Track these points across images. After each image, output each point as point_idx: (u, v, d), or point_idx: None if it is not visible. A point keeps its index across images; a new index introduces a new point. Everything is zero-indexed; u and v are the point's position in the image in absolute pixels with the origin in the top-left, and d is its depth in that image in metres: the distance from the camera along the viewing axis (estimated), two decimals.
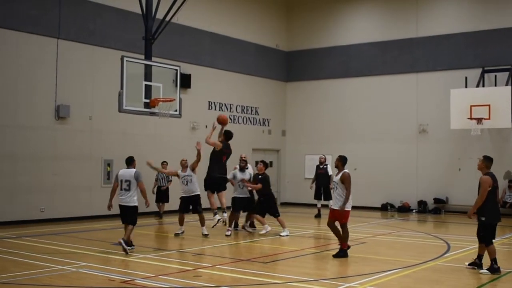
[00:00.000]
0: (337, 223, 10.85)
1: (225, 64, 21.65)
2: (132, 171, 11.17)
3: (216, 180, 13.21)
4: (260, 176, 13.97)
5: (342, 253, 10.64)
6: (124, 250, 10.68)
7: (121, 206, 11.19)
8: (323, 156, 18.84)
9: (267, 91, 23.67)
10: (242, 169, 14.08)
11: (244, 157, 14.51)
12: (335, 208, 10.76)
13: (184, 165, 13.72)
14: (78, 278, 8.63)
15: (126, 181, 11.07)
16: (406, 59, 21.75)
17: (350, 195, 10.62)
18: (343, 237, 10.77)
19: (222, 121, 13.48)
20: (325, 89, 23.57)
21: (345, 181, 10.60)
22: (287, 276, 8.84)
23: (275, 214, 13.85)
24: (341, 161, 10.91)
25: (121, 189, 11.12)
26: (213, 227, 13.09)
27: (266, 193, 13.93)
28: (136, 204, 11.18)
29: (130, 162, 11.33)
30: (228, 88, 21.78)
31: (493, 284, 8.56)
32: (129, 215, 11.13)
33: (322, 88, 23.66)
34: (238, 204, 13.98)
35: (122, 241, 10.79)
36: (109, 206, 11.31)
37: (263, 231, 13.73)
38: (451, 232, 16.03)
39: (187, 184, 13.46)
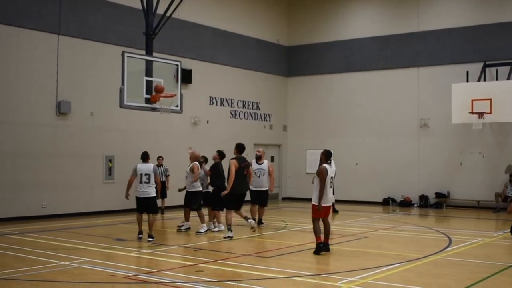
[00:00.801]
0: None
1: (226, 59, 21.62)
2: (150, 165, 12.09)
3: (239, 197, 12.63)
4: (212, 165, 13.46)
5: (319, 248, 10.42)
6: (151, 237, 11.78)
7: (141, 198, 11.94)
8: None
9: (268, 86, 23.65)
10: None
11: (259, 152, 14.73)
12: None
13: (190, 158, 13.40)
14: (80, 273, 8.65)
15: (146, 174, 11.91)
16: (408, 53, 21.69)
17: (324, 190, 10.30)
18: (314, 232, 10.50)
19: (158, 90, 12.60)
20: (326, 84, 23.54)
21: (319, 175, 10.40)
22: (288, 271, 8.86)
23: (214, 207, 13.20)
24: (325, 155, 10.62)
25: (140, 182, 11.90)
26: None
27: (217, 183, 13.23)
28: (155, 195, 12.11)
29: (146, 157, 12.21)
30: (229, 83, 21.75)
31: (495, 278, 8.57)
32: (151, 205, 12.01)
33: (323, 82, 23.63)
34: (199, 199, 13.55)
35: (150, 239, 11.72)
36: (127, 196, 12.12)
37: (201, 230, 13.01)
38: (452, 226, 16.02)
39: (185, 179, 13.40)
